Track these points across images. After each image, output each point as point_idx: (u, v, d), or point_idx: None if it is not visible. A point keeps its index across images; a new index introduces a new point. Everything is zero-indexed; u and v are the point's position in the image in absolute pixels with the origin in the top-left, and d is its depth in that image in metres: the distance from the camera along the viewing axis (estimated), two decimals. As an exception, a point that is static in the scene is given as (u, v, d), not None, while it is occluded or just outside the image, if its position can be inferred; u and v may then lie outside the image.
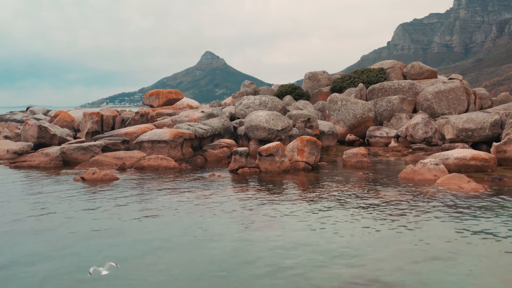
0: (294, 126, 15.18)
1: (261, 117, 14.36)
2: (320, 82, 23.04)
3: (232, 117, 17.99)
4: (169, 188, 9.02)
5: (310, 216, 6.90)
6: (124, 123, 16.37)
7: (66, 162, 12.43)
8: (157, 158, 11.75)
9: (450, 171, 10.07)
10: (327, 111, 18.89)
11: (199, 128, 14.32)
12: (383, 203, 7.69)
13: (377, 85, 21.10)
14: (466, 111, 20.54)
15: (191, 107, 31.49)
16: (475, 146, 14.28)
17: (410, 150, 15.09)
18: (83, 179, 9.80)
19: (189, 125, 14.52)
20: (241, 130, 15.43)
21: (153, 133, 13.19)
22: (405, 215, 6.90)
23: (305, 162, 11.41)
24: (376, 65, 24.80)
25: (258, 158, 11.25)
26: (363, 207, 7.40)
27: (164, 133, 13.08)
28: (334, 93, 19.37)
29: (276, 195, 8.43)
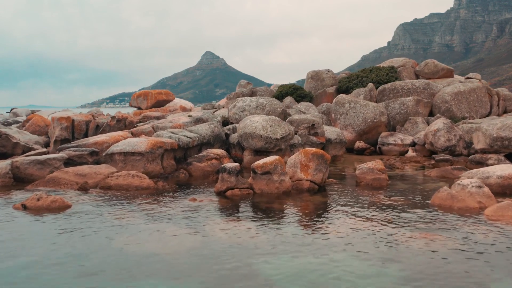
0: (296, 134, 12.94)
1: (257, 123, 12.12)
2: (324, 82, 20.78)
3: (226, 122, 15.75)
4: (130, 225, 6.77)
5: (323, 275, 4.65)
6: (99, 129, 14.11)
7: (19, 179, 10.16)
8: (127, 176, 9.50)
9: (492, 193, 7.86)
10: (333, 115, 16.64)
11: (184, 136, 12.08)
12: (421, 252, 5.44)
13: (388, 85, 18.86)
14: (489, 114, 18.31)
15: (184, 109, 29.26)
16: (509, 158, 12.03)
17: (433, 162, 12.84)
18: (24, 206, 7.56)
19: (172, 132, 12.28)
20: (234, 137, 13.19)
21: (126, 143, 10.95)
22: (464, 277, 4.65)
23: (311, 181, 9.17)
24: (385, 63, 22.55)
25: (252, 176, 9.01)
26: (393, 260, 5.15)
27: (140, 143, 10.83)
28: (340, 95, 17.11)
29: (274, 235, 6.19)
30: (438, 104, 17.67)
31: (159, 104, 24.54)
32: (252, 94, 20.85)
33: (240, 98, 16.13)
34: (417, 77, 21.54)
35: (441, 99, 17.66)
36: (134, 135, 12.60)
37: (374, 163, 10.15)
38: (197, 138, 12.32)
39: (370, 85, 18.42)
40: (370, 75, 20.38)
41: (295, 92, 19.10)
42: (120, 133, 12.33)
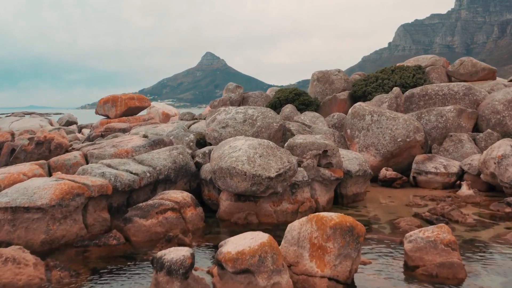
0: (300, 165, 8.59)
1: (239, 151, 7.79)
2: (333, 85, 16.47)
3: (203, 141, 11.43)
4: None
5: None
6: (14, 155, 9.72)
7: None
8: (-5, 261, 5.15)
9: None
10: (348, 131, 12.29)
11: (126, 171, 7.73)
12: None
13: (417, 90, 14.53)
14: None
15: (167, 117, 24.87)
16: None
17: (507, 210, 8.47)
18: None
19: (110, 165, 7.93)
20: (207, 170, 8.85)
21: (20, 189, 6.60)
22: None
23: (330, 278, 4.84)
24: (409, 62, 18.21)
25: (219, 274, 4.68)
26: None
27: (43, 190, 6.50)
28: (358, 103, 12.73)
29: None
30: (486, 116, 13.31)
31: (131, 111, 20.19)
32: (243, 100, 16.55)
33: (223, 109, 11.79)
34: (450, 79, 17.22)
35: (491, 109, 13.30)
36: (52, 169, 8.23)
37: (438, 230, 5.77)
38: (148, 174, 7.97)
39: (396, 89, 14.05)
40: (392, 76, 16.03)
41: (297, 98, 14.82)
42: (25, 167, 7.92)
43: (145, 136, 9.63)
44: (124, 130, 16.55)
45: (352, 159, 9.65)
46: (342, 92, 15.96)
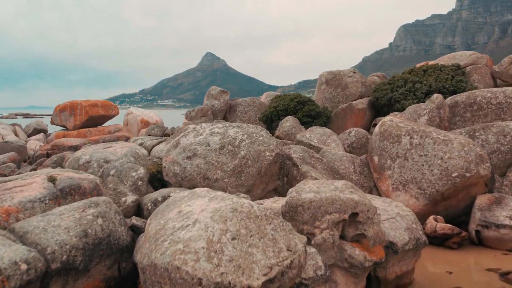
0: (310, 242, 4.74)
1: (194, 225, 3.96)
2: (348, 89, 12.71)
3: (158, 177, 7.62)
4: None
5: None
6: None
7: None
8: None
9: None
10: (375, 158, 8.48)
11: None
12: None
13: (462, 97, 10.74)
14: None
15: (147, 125, 21.08)
16: None
17: None
18: None
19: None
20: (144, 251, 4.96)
21: None
22: None
23: None
24: (442, 60, 14.39)
25: None
26: None
27: None
28: (389, 118, 8.88)
29: None
30: None
31: (94, 121, 16.36)
32: (230, 110, 12.78)
33: (192, 127, 7.99)
34: (495, 81, 13.44)
35: None
36: None
37: None
38: (24, 267, 4.15)
39: (438, 97, 10.23)
40: (425, 79, 12.22)
41: (301, 108, 11.06)
42: None
43: (51, 180, 5.80)
44: (76, 148, 12.77)
45: (394, 217, 5.81)
46: (359, 99, 12.19)
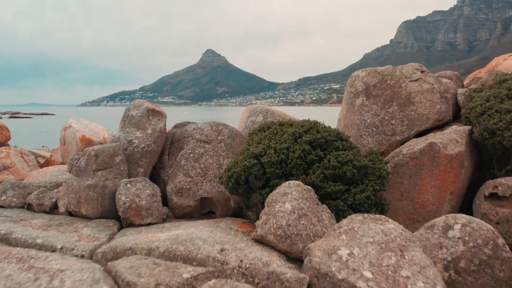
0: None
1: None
2: (413, 106, 6.03)
3: None
4: None
5: None
6: None
7: None
8: None
9: None
10: None
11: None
12: None
13: None
14: None
15: (89, 144, 14.56)
16: None
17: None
18: None
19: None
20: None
21: None
22: None
23: None
24: None
25: None
26: None
27: None
28: None
29: None
30: None
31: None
32: (170, 148, 6.32)
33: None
34: None
35: None
36: None
37: None
38: None
39: None
40: None
41: (318, 157, 4.64)
42: None
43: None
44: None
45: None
46: (442, 132, 5.57)
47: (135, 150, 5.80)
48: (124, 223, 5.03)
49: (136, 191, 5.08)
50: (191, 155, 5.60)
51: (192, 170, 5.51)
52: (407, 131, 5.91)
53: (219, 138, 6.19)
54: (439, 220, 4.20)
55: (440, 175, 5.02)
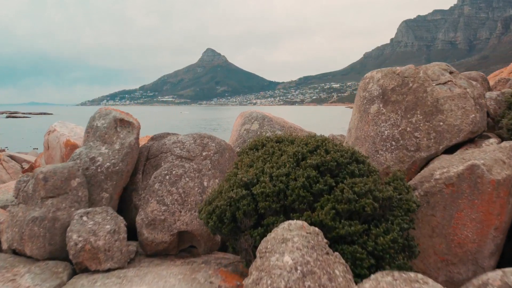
0: None
1: None
2: (442, 115, 4.84)
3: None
4: None
5: None
6: None
7: None
8: None
9: None
10: None
11: None
12: None
13: None
14: None
15: (73, 149, 13.50)
16: None
17: None
18: None
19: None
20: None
21: None
22: None
23: None
24: None
25: None
26: None
27: None
28: None
29: None
30: None
31: None
32: (145, 166, 5.21)
33: None
34: None
35: None
36: None
37: None
38: None
39: None
40: None
41: (328, 187, 3.54)
42: None
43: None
44: None
45: None
46: (476, 149, 4.44)
47: (99, 170, 4.68)
48: (77, 268, 3.91)
49: (93, 227, 3.96)
50: (167, 177, 4.49)
51: (167, 196, 4.40)
52: (434, 146, 4.79)
53: (204, 153, 5.08)
54: (494, 277, 3.08)
55: (483, 206, 3.91)
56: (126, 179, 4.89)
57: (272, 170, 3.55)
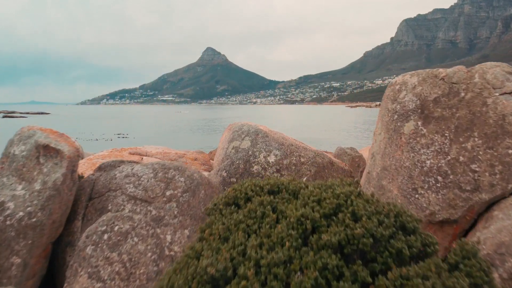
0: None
1: None
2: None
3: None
4: None
5: None
6: None
7: None
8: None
9: None
10: None
11: None
12: None
13: None
14: None
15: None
16: None
17: None
18: None
19: None
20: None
21: None
22: None
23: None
24: None
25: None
26: None
27: None
28: None
29: None
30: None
31: None
32: (90, 205, 3.70)
33: None
34: None
35: None
36: None
37: None
38: None
39: None
40: None
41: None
42: None
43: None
44: None
45: None
46: None
47: (7, 223, 3.16)
48: None
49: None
50: (105, 235, 2.96)
51: (105, 266, 2.87)
52: (500, 184, 3.29)
53: (168, 193, 3.55)
54: None
55: None
56: (50, 234, 3.35)
57: (261, 253, 2.02)
